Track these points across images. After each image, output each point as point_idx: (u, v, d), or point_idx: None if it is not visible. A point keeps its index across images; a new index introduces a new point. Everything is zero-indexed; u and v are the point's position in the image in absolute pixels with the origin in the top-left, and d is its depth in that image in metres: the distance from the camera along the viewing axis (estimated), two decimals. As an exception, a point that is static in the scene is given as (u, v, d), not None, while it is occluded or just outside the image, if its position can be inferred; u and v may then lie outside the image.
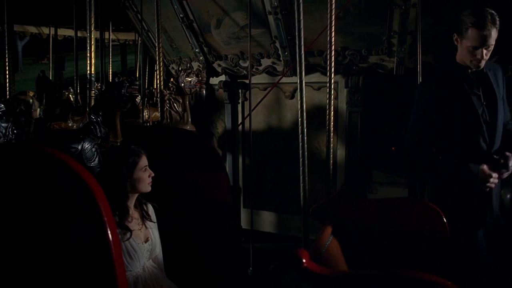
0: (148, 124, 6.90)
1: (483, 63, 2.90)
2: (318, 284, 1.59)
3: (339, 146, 5.53)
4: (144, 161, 2.53)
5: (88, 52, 4.93)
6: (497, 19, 2.80)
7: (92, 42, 4.96)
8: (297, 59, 3.34)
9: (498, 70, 3.07)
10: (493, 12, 2.82)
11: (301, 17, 3.32)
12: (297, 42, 3.33)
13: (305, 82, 5.50)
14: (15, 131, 4.36)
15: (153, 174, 2.54)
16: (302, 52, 3.40)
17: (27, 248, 1.98)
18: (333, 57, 3.93)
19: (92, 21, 4.95)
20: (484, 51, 2.83)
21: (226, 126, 6.27)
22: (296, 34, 3.32)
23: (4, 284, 2.01)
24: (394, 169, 5.34)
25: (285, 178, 5.78)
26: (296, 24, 3.33)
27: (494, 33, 2.79)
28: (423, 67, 4.68)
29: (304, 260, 1.59)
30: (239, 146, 6.15)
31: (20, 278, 2.00)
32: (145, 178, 2.50)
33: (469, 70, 2.96)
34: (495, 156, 2.88)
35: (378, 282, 1.55)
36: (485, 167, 2.82)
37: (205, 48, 5.99)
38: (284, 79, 5.33)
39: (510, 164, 2.83)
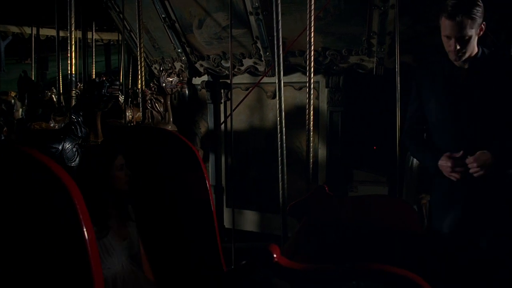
0: (130, 124, 6.90)
1: (464, 56, 2.69)
2: (289, 278, 1.63)
3: (320, 145, 5.59)
4: (120, 159, 2.54)
5: (69, 52, 4.93)
6: (476, 7, 2.60)
7: (73, 42, 4.96)
8: (276, 60, 3.39)
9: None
10: (471, 3, 2.61)
11: (279, 18, 3.37)
12: (275, 42, 3.38)
13: (286, 82, 5.62)
14: (-7, 131, 4.36)
15: (129, 173, 2.56)
16: (281, 52, 3.45)
17: (4, 247, 2.00)
18: (312, 57, 4.00)
19: (73, 21, 4.95)
20: (457, 43, 2.63)
21: (209, 126, 6.29)
22: (275, 34, 3.37)
23: None
24: (375, 167, 5.42)
25: (268, 177, 5.82)
26: (275, 25, 3.37)
27: (469, 23, 2.58)
28: (402, 67, 4.76)
29: (274, 255, 1.63)
30: (221, 146, 6.18)
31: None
32: (121, 177, 2.52)
33: (456, 64, 2.78)
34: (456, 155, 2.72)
35: (346, 275, 1.60)
36: (441, 162, 2.74)
37: (187, 48, 6.01)
38: (265, 79, 5.38)
39: (474, 165, 2.65)
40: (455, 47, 2.64)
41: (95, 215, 2.34)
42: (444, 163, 2.73)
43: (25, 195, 1.95)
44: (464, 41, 2.63)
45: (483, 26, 2.67)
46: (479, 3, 2.61)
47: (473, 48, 2.70)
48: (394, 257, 2.58)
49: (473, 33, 2.62)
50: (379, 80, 5.17)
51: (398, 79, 4.42)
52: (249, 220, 6.12)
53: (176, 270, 2.85)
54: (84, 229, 1.83)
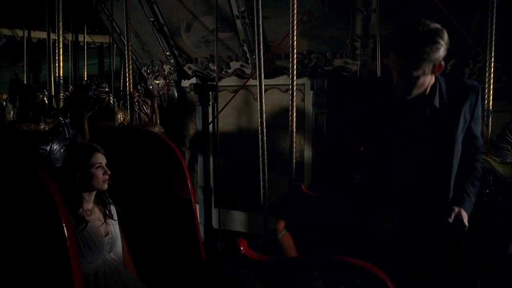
0: (121, 126, 6.99)
1: (410, 94, 2.25)
2: (255, 269, 1.73)
3: (306, 146, 5.69)
4: (97, 158, 2.60)
5: (57, 55, 5.02)
6: (432, 45, 2.11)
7: (61, 45, 5.04)
8: (257, 62, 3.50)
9: (468, 96, 2.38)
10: (428, 40, 2.11)
11: (260, 22, 3.50)
12: (256, 46, 3.49)
13: (273, 85, 5.73)
14: (-18, 132, 4.43)
15: (109, 173, 2.63)
16: (262, 55, 3.57)
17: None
18: (295, 60, 4.10)
19: (61, 24, 5.04)
20: (403, 80, 2.20)
21: (197, 127, 6.38)
22: (256, 38, 3.48)
23: None
24: (359, 168, 5.51)
25: (255, 178, 5.89)
26: (256, 29, 3.49)
27: (418, 63, 2.13)
28: (386, 69, 4.87)
29: (241, 248, 1.73)
30: (210, 147, 6.27)
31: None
32: (99, 176, 2.59)
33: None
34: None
35: (307, 266, 1.70)
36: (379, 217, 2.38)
37: (175, 51, 6.10)
38: (253, 82, 5.46)
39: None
40: (399, 84, 2.24)
41: (72, 209, 2.43)
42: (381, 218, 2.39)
43: (8, 194, 2.04)
44: (411, 80, 2.19)
45: (442, 63, 2.20)
46: (436, 39, 2.12)
47: (424, 85, 2.25)
48: (372, 253, 2.68)
49: (423, 72, 2.17)
50: (363, 82, 5.27)
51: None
52: (237, 220, 6.20)
53: (158, 266, 2.94)
54: (64, 225, 1.93)
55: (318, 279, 1.67)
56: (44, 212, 1.98)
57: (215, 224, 6.28)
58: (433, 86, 2.31)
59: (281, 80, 5.64)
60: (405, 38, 2.12)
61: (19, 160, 2.02)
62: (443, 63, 2.19)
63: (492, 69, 4.48)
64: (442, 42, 2.12)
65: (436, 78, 2.30)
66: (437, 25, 2.15)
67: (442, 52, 2.14)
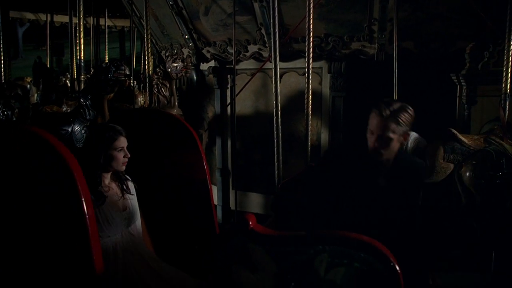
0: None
1: (381, 156, 2.65)
2: (262, 243, 1.81)
3: (323, 130, 5.73)
4: (121, 142, 2.72)
5: (78, 38, 5.12)
6: (405, 114, 2.59)
7: (82, 28, 5.14)
8: (272, 45, 3.54)
9: (418, 171, 2.84)
10: (401, 109, 2.61)
11: (276, 5, 3.53)
12: (272, 28, 3.53)
13: (291, 68, 5.76)
14: (5, 112, 4.57)
15: (129, 156, 2.73)
16: (277, 38, 3.61)
17: (9, 217, 2.22)
18: (311, 43, 4.13)
19: (82, 8, 5.13)
20: (377, 142, 2.60)
21: (216, 110, 6.46)
22: (271, 21, 3.52)
23: None
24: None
25: (272, 160, 5.97)
26: (271, 12, 3.54)
27: (392, 126, 2.56)
28: (403, 53, 4.87)
29: (250, 223, 1.81)
30: (228, 130, 6.35)
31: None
32: (119, 158, 2.70)
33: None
34: None
35: (315, 241, 1.77)
36: None
37: (194, 35, 6.16)
38: (270, 65, 5.49)
39: None
40: (374, 144, 2.61)
41: (92, 185, 2.54)
42: None
43: (31, 169, 2.15)
44: (384, 142, 2.60)
45: (407, 135, 2.69)
46: (409, 111, 2.62)
47: (393, 152, 2.67)
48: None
49: (395, 137, 2.60)
50: (381, 65, 5.28)
51: (395, 65, 4.54)
52: (254, 202, 6.29)
53: (174, 243, 3.05)
54: (83, 199, 2.03)
55: (323, 253, 1.74)
56: (64, 188, 2.09)
57: (232, 205, 6.38)
58: (395, 158, 2.72)
59: (298, 63, 5.67)
60: (389, 104, 2.62)
61: (41, 138, 2.12)
62: (407, 135, 2.69)
63: (511, 52, 4.44)
64: (412, 115, 2.63)
65: (396, 154, 2.72)
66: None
67: (409, 123, 2.61)
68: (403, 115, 2.58)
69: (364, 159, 2.72)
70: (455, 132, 4.33)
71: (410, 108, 2.65)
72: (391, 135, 2.58)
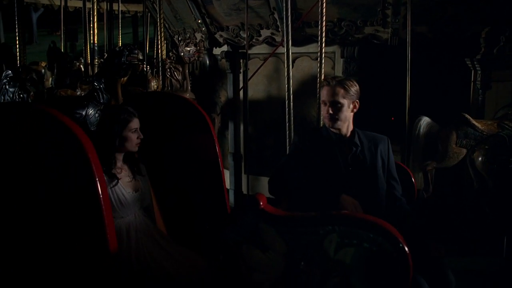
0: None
1: (336, 124, 2.86)
2: (273, 223, 1.83)
3: (335, 114, 5.70)
4: (135, 123, 2.76)
5: (92, 22, 5.15)
6: (350, 82, 2.88)
7: (95, 13, 5.17)
8: (284, 29, 3.54)
9: (380, 143, 2.98)
10: (346, 78, 2.94)
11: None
12: (284, 13, 3.53)
13: (303, 52, 5.76)
14: (21, 95, 4.63)
15: (142, 137, 2.78)
16: (290, 22, 3.62)
17: (23, 198, 2.27)
18: (324, 28, 4.12)
19: (95, -7, 5.16)
20: (330, 107, 2.84)
21: (228, 95, 6.48)
22: (284, 5, 3.52)
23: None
24: (388, 137, 5.53)
25: (284, 145, 6.00)
26: (284, -4, 3.53)
27: (341, 92, 2.82)
28: (417, 37, 4.83)
29: (261, 203, 1.83)
30: (240, 114, 6.37)
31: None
32: (133, 139, 2.75)
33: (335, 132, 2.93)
34: None
35: (325, 221, 1.79)
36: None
37: (207, 19, 6.16)
38: (283, 49, 5.49)
39: None
40: (328, 111, 2.86)
41: (106, 167, 2.59)
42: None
43: (45, 150, 2.19)
44: (336, 108, 2.83)
45: (356, 104, 2.91)
46: (353, 82, 2.91)
47: (346, 120, 2.89)
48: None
49: (345, 103, 2.84)
50: (394, 50, 5.24)
51: (409, 49, 4.51)
52: (266, 186, 6.28)
53: (186, 224, 3.08)
54: (97, 180, 2.07)
55: (333, 233, 1.77)
56: (79, 169, 2.13)
57: (244, 190, 6.42)
58: (353, 132, 2.96)
59: (311, 48, 5.65)
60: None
61: (57, 119, 2.15)
62: (357, 103, 2.91)
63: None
64: (356, 86, 2.90)
65: (354, 128, 2.97)
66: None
67: (355, 92, 2.88)
68: (348, 83, 2.87)
69: (326, 138, 2.94)
70: (468, 117, 4.31)
71: (354, 80, 2.95)
72: (341, 100, 2.83)
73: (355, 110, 2.93)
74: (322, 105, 2.93)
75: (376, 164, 2.90)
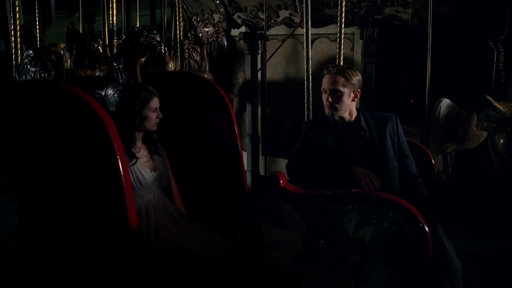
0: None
1: (336, 112, 2.87)
2: (292, 201, 1.84)
3: (354, 96, 5.66)
4: (155, 102, 2.77)
5: (110, 3, 5.15)
6: (351, 71, 2.86)
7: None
8: (304, 10, 3.51)
9: (388, 122, 2.96)
10: (348, 67, 2.92)
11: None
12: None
13: (322, 34, 5.70)
14: (42, 75, 4.67)
15: (161, 116, 2.79)
16: (309, 2, 3.57)
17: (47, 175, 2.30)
18: (343, 9, 4.08)
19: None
20: (330, 97, 2.84)
21: (246, 76, 6.46)
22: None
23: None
24: (407, 119, 5.49)
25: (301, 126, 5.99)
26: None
27: (341, 81, 2.81)
28: (438, 18, 4.75)
29: (281, 181, 1.84)
30: (258, 96, 6.35)
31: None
32: (153, 118, 2.76)
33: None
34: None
35: (345, 200, 1.79)
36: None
37: (225, 0, 6.12)
38: (301, 30, 5.45)
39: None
40: (328, 99, 2.85)
41: (126, 146, 2.60)
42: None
43: (67, 128, 2.22)
44: (336, 96, 2.83)
45: (357, 93, 2.90)
46: (355, 71, 2.91)
47: (347, 108, 2.88)
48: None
49: (346, 92, 2.83)
50: (414, 31, 5.17)
51: (430, 30, 4.45)
52: (283, 167, 6.28)
53: (205, 202, 3.11)
54: (118, 157, 2.09)
55: (352, 212, 1.77)
56: (100, 146, 2.15)
57: (262, 171, 6.43)
58: (358, 116, 2.94)
59: (330, 29, 5.59)
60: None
61: (79, 98, 2.17)
62: (358, 92, 2.90)
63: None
64: (358, 74, 2.89)
65: (358, 110, 2.97)
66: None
67: (357, 81, 2.86)
68: (350, 71, 2.86)
69: (334, 125, 2.94)
70: (490, 99, 4.25)
71: (356, 70, 2.95)
72: (341, 88, 2.81)
73: (356, 99, 2.93)
74: (323, 93, 2.91)
75: (385, 145, 2.90)
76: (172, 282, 2.55)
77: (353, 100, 2.90)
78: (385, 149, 2.89)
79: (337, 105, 2.84)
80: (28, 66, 4.60)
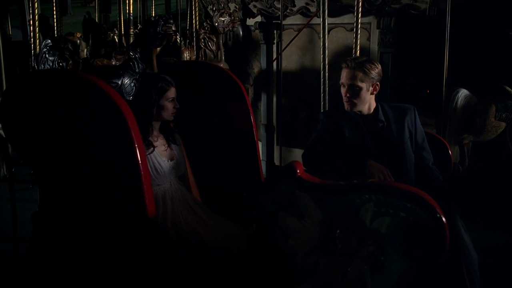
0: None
1: (355, 107, 2.88)
2: (309, 190, 1.84)
3: (370, 86, 5.63)
4: (172, 92, 2.79)
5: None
6: (370, 64, 2.83)
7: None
8: (320, 0, 3.49)
9: (407, 114, 2.96)
10: (367, 61, 2.86)
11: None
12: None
13: (338, 23, 5.66)
14: (60, 64, 4.71)
15: (178, 106, 2.81)
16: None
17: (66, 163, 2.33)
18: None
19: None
20: (348, 92, 2.84)
21: (262, 66, 6.45)
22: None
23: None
24: (423, 110, 5.45)
25: (317, 117, 5.96)
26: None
27: (360, 76, 2.79)
28: (457, 8, 4.69)
29: (298, 170, 1.84)
30: (273, 86, 6.35)
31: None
32: (170, 108, 2.78)
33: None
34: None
35: (362, 190, 1.79)
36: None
37: (241, -11, 6.12)
38: (317, 20, 5.42)
39: None
40: (346, 94, 2.86)
41: (144, 134, 2.63)
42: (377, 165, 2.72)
43: (85, 117, 2.24)
44: (354, 91, 2.82)
45: (377, 87, 2.88)
46: (375, 64, 2.87)
47: (365, 102, 2.88)
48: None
49: (364, 86, 2.82)
50: (432, 21, 5.11)
51: (448, 20, 4.39)
52: (298, 157, 6.26)
53: (221, 192, 3.12)
54: (136, 146, 2.11)
55: (369, 202, 1.77)
56: (119, 135, 2.17)
57: (277, 161, 6.44)
58: (376, 108, 2.94)
59: (346, 18, 5.56)
60: (355, 57, 2.99)
61: (97, 87, 2.19)
62: (377, 86, 2.88)
63: None
64: (378, 67, 2.87)
65: (377, 102, 2.95)
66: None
67: (377, 74, 2.84)
68: (368, 65, 2.83)
69: (351, 117, 2.93)
70: (509, 89, 4.20)
71: (376, 62, 2.92)
72: (359, 83, 2.80)
73: (375, 92, 2.91)
74: (341, 87, 2.91)
75: (403, 137, 2.89)
76: (188, 271, 2.57)
77: (372, 94, 2.90)
78: (403, 141, 2.89)
79: (355, 100, 2.85)
80: (47, 56, 4.64)
